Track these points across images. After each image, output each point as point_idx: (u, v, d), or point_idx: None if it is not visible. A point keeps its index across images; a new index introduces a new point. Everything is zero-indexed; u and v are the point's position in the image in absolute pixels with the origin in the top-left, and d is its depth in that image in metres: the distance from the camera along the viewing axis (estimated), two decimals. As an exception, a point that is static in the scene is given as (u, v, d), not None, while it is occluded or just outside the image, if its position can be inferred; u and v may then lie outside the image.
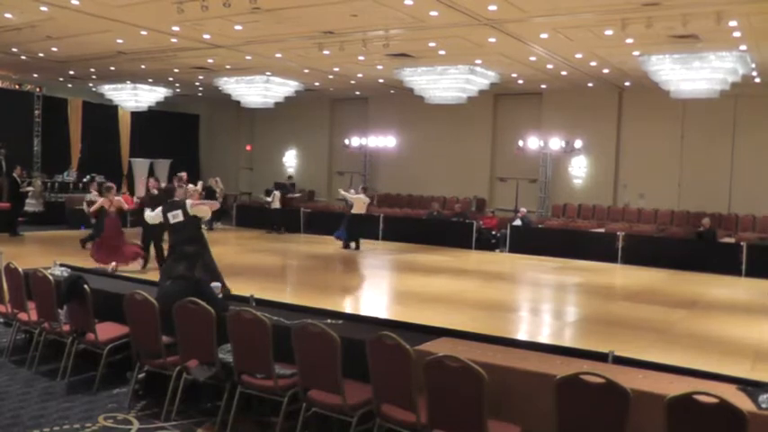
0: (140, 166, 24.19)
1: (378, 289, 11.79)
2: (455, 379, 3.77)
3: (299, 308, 6.53)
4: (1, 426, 4.80)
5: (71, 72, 20.10)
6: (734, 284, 12.67)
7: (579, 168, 20.48)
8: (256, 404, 5.03)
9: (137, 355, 5.46)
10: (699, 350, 7.48)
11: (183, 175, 13.86)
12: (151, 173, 23.28)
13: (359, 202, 15.65)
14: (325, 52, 15.06)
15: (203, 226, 7.73)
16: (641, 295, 11.33)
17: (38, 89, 22.65)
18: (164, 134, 25.45)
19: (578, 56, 14.85)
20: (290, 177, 20.26)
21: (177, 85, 22.25)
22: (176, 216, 6.74)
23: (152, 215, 7.16)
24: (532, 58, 15.31)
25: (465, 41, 13.68)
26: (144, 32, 14.01)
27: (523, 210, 18.02)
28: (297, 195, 20.55)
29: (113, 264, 10.36)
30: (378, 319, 6.26)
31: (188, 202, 6.97)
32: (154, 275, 8.89)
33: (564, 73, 16.96)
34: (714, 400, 3.23)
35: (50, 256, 10.45)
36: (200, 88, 23.13)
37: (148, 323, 5.23)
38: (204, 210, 7.09)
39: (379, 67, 17.10)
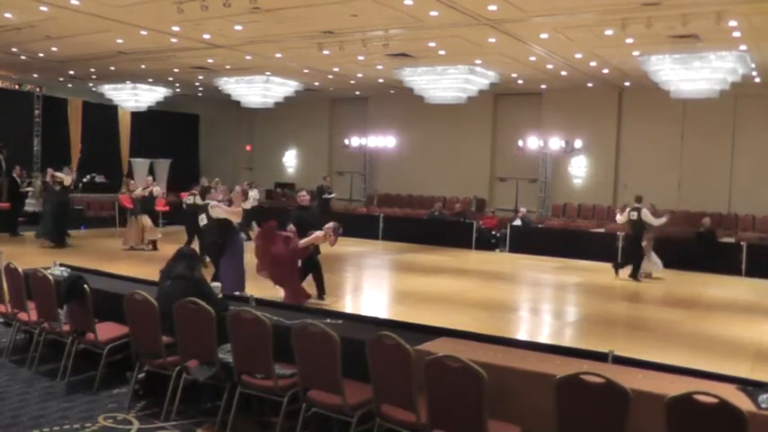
0: (140, 166, 24.18)
1: (378, 289, 11.80)
2: (455, 379, 3.76)
3: (299, 308, 6.54)
4: (1, 426, 4.80)
5: (71, 72, 20.09)
6: (734, 284, 12.68)
7: (579, 168, 20.48)
8: (256, 404, 5.03)
9: (137, 355, 5.46)
10: (699, 350, 7.49)
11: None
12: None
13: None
14: (325, 52, 15.05)
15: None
16: (641, 295, 11.34)
17: (38, 89, 22.64)
18: (164, 134, 25.42)
19: (578, 56, 14.85)
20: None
21: (177, 85, 22.24)
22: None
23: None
24: (532, 58, 15.30)
25: (465, 41, 13.68)
26: (144, 32, 14.00)
27: (523, 210, 18.03)
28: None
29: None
30: (378, 319, 6.24)
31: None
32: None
33: (564, 73, 16.95)
34: (714, 400, 3.22)
35: (50, 256, 10.47)
36: (200, 88, 23.13)
37: (148, 323, 5.22)
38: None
39: (379, 67, 17.10)
